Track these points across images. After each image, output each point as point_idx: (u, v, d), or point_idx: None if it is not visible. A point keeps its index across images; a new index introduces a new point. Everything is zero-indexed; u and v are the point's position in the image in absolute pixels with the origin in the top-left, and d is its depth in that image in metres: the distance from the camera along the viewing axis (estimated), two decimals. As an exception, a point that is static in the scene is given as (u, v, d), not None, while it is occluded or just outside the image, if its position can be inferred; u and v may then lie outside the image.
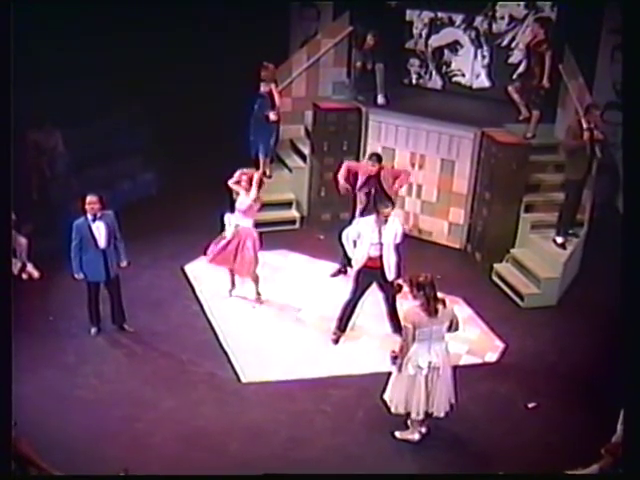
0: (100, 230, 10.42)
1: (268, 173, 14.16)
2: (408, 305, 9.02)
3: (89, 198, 10.35)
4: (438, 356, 8.80)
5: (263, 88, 13.64)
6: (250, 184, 11.40)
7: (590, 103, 12.26)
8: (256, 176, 11.57)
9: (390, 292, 10.93)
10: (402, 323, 9.02)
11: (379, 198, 11.62)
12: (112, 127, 14.48)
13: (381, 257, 10.59)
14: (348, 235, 10.79)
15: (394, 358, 8.88)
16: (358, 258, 10.72)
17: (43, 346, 10.54)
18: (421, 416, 9.01)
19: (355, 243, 10.73)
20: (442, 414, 9.03)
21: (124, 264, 10.82)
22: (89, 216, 10.37)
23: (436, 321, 8.66)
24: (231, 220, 11.48)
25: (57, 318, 11.25)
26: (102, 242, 10.45)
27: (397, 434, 9.32)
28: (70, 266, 10.60)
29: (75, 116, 13.48)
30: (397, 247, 10.74)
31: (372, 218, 10.60)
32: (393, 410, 9.10)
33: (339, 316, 11.10)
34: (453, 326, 8.85)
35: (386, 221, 10.51)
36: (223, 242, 11.48)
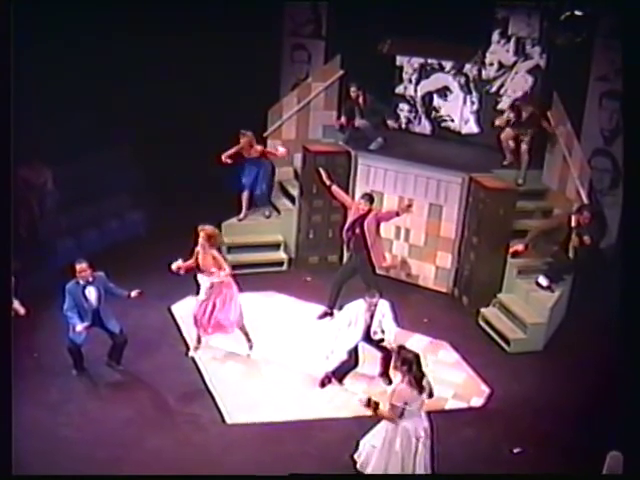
0: (92, 294, 10.42)
1: (267, 213, 14.51)
2: (395, 384, 8.70)
3: (79, 266, 10.27)
4: (427, 421, 8.76)
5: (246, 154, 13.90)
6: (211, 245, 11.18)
7: (583, 205, 12.28)
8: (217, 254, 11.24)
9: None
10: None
11: (358, 246, 11.85)
12: (102, 166, 14.47)
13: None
14: (339, 326, 10.82)
15: (367, 405, 8.59)
16: (352, 343, 10.71)
17: (27, 383, 10.45)
18: None
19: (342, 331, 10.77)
20: None
21: (134, 294, 10.70)
22: (81, 282, 10.33)
23: (424, 394, 8.59)
24: (204, 279, 11.26)
25: (41, 355, 11.20)
26: (94, 304, 10.45)
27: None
28: (56, 303, 10.60)
29: (65, 154, 13.49)
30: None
31: (362, 307, 10.56)
32: None
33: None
34: (428, 392, 8.69)
35: (374, 309, 10.53)
36: (209, 308, 11.20)
